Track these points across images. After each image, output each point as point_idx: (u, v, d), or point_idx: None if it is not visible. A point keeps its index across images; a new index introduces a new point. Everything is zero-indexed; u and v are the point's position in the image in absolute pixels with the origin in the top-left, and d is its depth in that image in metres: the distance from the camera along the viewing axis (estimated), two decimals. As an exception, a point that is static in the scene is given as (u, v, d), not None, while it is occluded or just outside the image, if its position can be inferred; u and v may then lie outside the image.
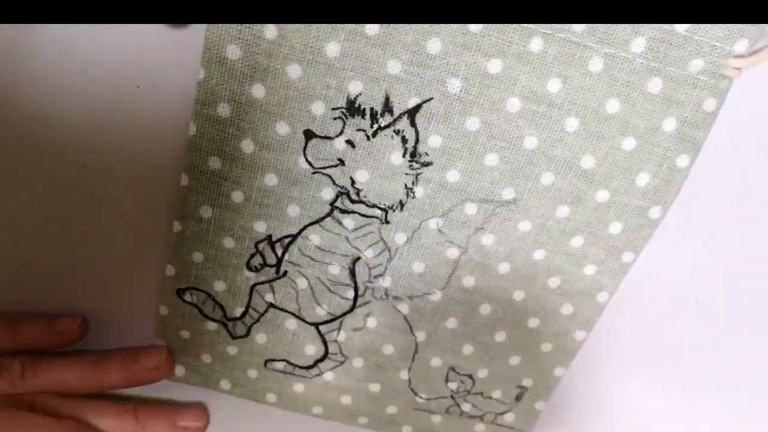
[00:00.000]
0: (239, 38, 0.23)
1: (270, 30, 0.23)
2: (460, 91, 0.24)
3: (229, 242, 0.27)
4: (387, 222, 0.27)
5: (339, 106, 0.24)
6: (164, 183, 0.26)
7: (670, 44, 0.23)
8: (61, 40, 0.23)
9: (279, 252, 0.28)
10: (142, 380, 0.30)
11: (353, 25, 0.23)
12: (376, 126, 0.25)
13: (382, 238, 0.27)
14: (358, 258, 0.28)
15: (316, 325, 0.30)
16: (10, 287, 0.29)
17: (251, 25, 0.22)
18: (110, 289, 0.29)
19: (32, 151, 0.25)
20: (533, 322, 0.30)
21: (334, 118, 0.24)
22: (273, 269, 0.28)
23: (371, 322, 0.30)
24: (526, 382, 0.32)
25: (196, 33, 0.23)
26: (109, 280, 0.29)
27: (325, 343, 0.30)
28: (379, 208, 0.26)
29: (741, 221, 0.28)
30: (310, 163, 0.25)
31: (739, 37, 0.22)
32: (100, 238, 0.28)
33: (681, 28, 0.22)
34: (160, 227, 0.27)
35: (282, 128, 0.25)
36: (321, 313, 0.29)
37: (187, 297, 0.29)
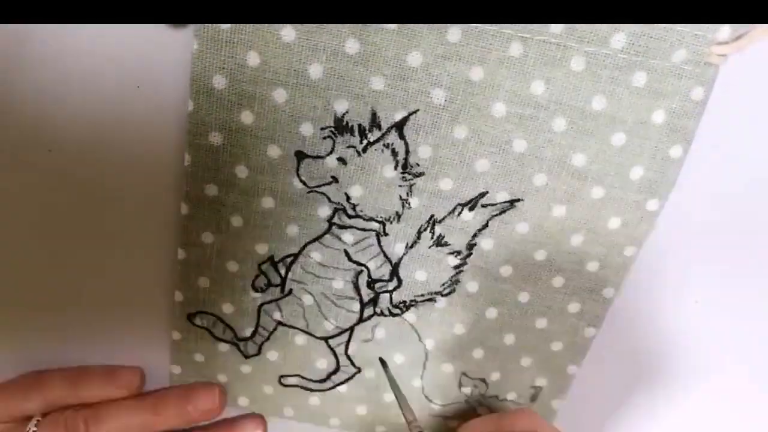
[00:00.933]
0: (224, 68, 0.23)
1: (252, 57, 0.23)
2: (445, 100, 0.24)
3: (233, 266, 0.28)
4: (385, 234, 0.27)
5: (327, 125, 0.25)
6: (166, 185, 0.26)
7: (651, 37, 0.23)
8: (61, 40, 0.23)
9: (282, 271, 0.28)
10: (197, 420, 0.30)
11: (334, 46, 0.23)
12: (365, 142, 0.25)
13: (382, 250, 0.28)
14: (361, 271, 0.28)
15: (325, 339, 0.30)
16: (24, 319, 0.30)
17: (234, 54, 0.23)
18: (122, 317, 0.30)
19: (32, 151, 0.25)
20: (541, 323, 0.30)
21: (324, 138, 0.25)
22: (278, 288, 0.29)
23: (379, 333, 0.30)
24: (540, 382, 0.32)
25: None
26: (121, 308, 0.30)
27: (335, 356, 0.31)
28: (376, 220, 0.27)
29: (740, 220, 0.27)
30: (304, 183, 0.26)
31: (720, 24, 0.22)
32: (108, 264, 0.29)
33: (660, 20, 0.22)
34: (166, 253, 0.28)
35: (273, 151, 0.25)
36: (329, 327, 0.30)
37: (198, 321, 0.30)
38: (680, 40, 0.23)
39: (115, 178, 0.26)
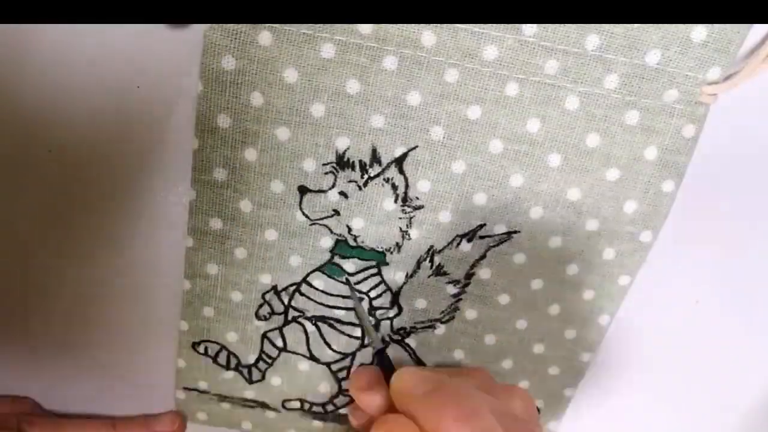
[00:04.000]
0: (228, 108, 0.24)
1: (256, 97, 0.24)
2: (443, 137, 0.25)
3: (237, 296, 0.28)
4: (386, 263, 0.28)
5: (329, 161, 0.25)
6: (167, 186, 0.26)
7: (643, 78, 0.23)
8: (61, 40, 0.23)
9: (285, 300, 0.29)
10: None
11: (335, 86, 0.24)
12: (366, 176, 0.26)
13: (383, 279, 0.28)
14: (362, 299, 0.29)
15: (328, 364, 0.31)
16: (35, 346, 0.31)
17: (238, 95, 0.24)
18: (129, 345, 0.31)
19: (32, 151, 0.25)
20: (538, 348, 0.30)
21: (326, 173, 0.25)
22: (281, 316, 0.29)
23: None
24: (538, 403, 0.32)
25: (196, 33, 0.23)
26: (127, 336, 0.30)
27: (338, 380, 0.31)
28: (377, 251, 0.27)
29: (740, 222, 0.28)
30: (306, 216, 0.26)
31: (710, 65, 0.23)
32: (114, 293, 0.29)
33: (652, 61, 0.23)
34: (172, 284, 0.29)
35: (277, 186, 0.26)
36: (331, 353, 0.30)
37: (202, 349, 0.30)
38: (671, 81, 0.23)
39: (112, 152, 0.26)
